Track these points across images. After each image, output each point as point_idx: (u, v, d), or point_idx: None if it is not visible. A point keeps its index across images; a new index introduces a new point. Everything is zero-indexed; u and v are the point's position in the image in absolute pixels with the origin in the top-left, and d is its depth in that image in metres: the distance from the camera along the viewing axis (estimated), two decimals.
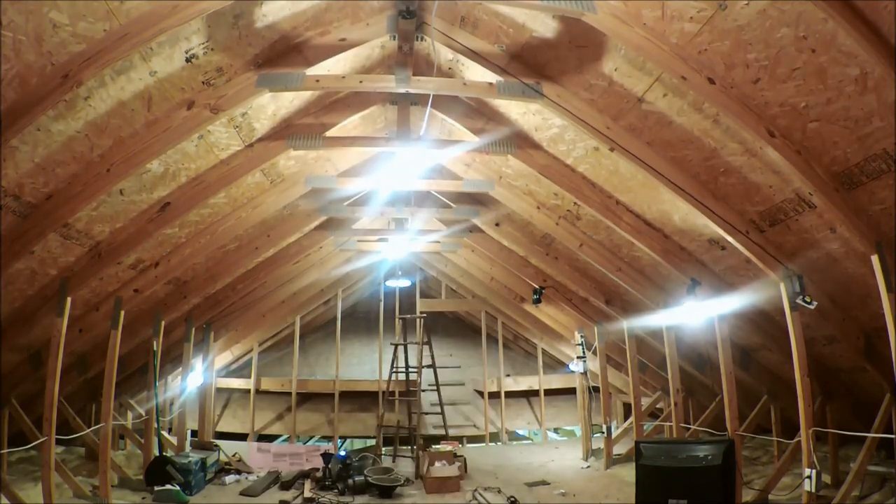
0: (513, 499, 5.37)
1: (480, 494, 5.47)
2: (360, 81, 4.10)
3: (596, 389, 7.63)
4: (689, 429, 6.08)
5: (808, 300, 4.09)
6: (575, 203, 5.10)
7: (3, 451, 4.74)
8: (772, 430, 5.98)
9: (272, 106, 4.23)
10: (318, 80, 3.76)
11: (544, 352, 9.73)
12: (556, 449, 8.38)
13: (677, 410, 5.89)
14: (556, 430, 10.08)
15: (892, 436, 4.00)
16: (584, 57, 3.53)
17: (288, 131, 4.50)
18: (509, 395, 9.59)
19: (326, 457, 6.49)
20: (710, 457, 4.45)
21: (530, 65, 3.80)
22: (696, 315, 5.13)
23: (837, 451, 5.22)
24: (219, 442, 7.60)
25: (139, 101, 3.37)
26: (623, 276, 5.71)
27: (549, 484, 6.31)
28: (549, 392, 9.49)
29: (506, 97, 3.91)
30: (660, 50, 3.06)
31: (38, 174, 3.42)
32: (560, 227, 5.47)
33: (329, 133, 4.63)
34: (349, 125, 4.86)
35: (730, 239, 4.13)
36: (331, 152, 5.18)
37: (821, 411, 5.12)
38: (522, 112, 4.44)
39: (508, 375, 9.74)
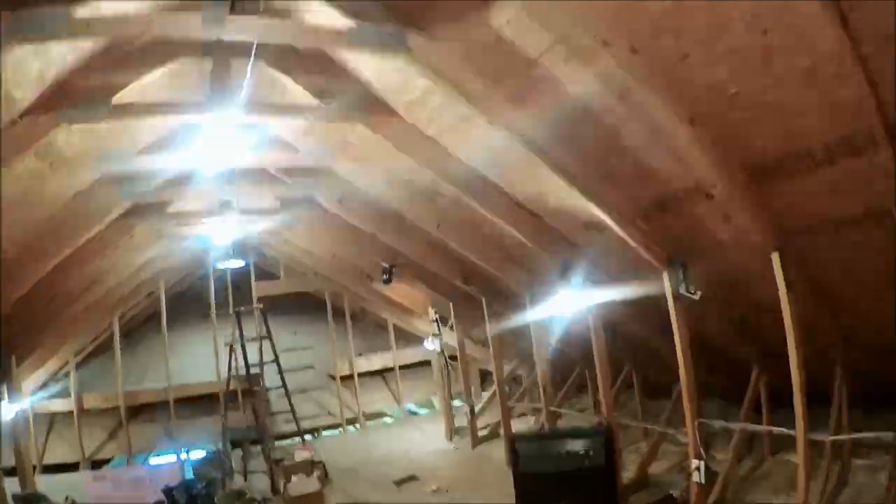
0: None
1: None
2: (152, 21, 2.83)
3: (453, 358, 7.26)
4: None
5: (692, 291, 3.89)
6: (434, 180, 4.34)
7: None
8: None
9: (37, 64, 2.79)
10: (88, 24, 2.56)
11: (396, 326, 9.06)
12: (417, 428, 7.90)
13: (546, 397, 5.68)
14: (414, 404, 9.58)
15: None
16: (468, 3, 2.69)
17: (64, 100, 3.09)
18: (363, 374, 8.84)
19: (168, 492, 5.42)
20: (591, 453, 4.20)
21: (395, 9, 2.88)
22: (568, 306, 4.76)
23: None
24: (48, 479, 6.28)
25: None
26: (486, 258, 5.17)
27: (418, 479, 5.80)
28: (404, 367, 8.91)
29: (359, 48, 3.03)
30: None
31: None
32: (416, 206, 4.71)
33: (122, 96, 3.28)
34: (153, 85, 3.49)
35: (612, 225, 3.72)
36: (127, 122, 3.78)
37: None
38: (378, 69, 3.46)
39: (360, 354, 8.94)
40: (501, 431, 7.18)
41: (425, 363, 9.20)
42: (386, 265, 6.14)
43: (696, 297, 3.86)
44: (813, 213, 3.15)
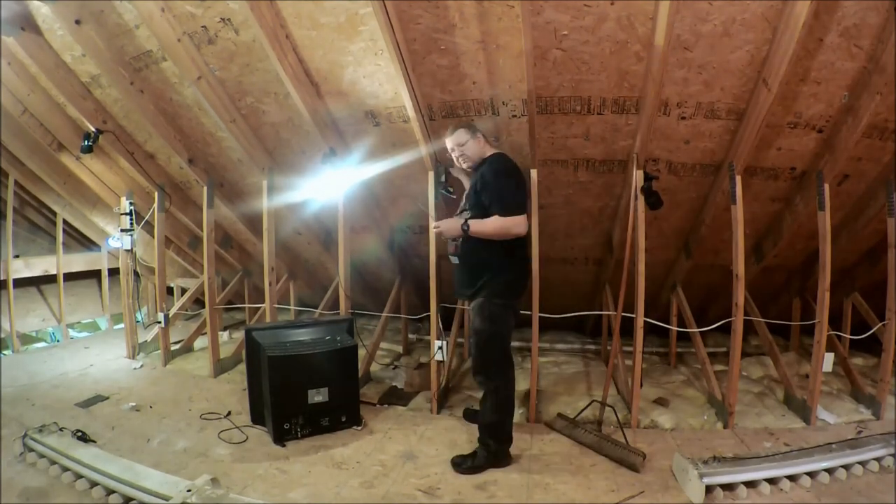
0: (80, 433, 3.77)
1: (32, 440, 3.61)
2: None
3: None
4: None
5: (451, 190, 4.28)
6: (224, 20, 3.66)
7: None
8: None
9: None
10: None
11: (66, 224, 7.10)
12: (87, 349, 6.43)
13: (271, 291, 5.37)
14: (72, 326, 7.66)
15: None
16: None
17: None
18: (17, 283, 6.57)
19: None
20: (340, 339, 4.28)
21: None
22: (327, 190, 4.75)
23: None
24: None
25: None
26: (235, 129, 4.55)
27: (108, 398, 4.80)
28: (68, 277, 7.06)
29: None
30: None
31: None
32: (181, 47, 3.82)
33: None
34: None
35: (413, 118, 3.81)
36: None
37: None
38: None
39: (17, 256, 6.70)
40: (196, 344, 6.57)
41: (90, 274, 7.61)
42: (93, 129, 4.79)
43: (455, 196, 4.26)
44: (566, 149, 4.02)
